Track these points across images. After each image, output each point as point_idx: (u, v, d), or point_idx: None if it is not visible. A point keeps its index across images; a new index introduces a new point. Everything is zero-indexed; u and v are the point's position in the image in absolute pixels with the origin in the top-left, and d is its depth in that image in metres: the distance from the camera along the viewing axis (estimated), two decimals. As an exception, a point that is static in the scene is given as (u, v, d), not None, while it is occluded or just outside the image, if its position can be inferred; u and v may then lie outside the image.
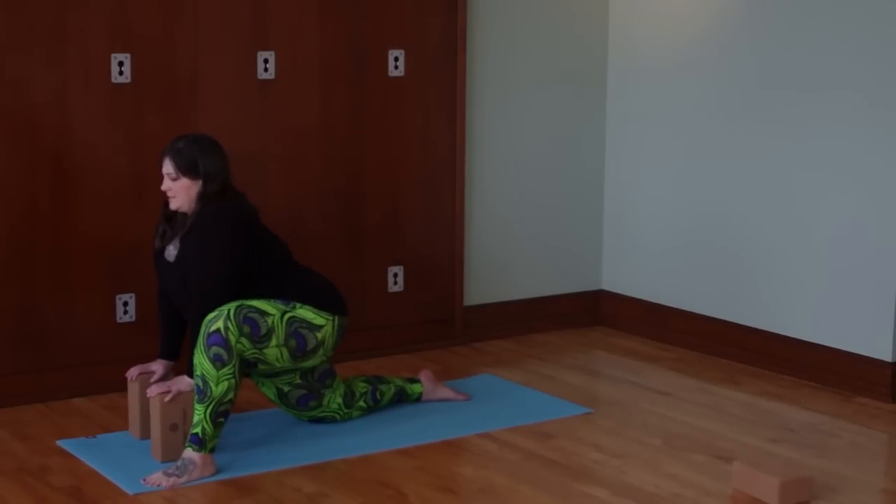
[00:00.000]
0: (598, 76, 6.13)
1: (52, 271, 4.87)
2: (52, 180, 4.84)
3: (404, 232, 5.67)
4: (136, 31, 4.93)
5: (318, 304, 4.40)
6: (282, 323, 4.30)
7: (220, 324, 4.16)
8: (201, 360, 4.14)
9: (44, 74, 4.77)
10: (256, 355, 4.28)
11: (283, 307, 4.32)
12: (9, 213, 4.78)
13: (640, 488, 4.11)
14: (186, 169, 4.26)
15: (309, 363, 4.47)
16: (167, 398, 4.26)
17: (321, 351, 4.44)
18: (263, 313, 4.26)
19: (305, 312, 4.37)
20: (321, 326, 4.40)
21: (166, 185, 4.30)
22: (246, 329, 4.21)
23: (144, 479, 4.09)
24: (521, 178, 5.97)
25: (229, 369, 4.16)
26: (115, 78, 4.91)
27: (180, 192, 4.29)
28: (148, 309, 4.96)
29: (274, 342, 4.29)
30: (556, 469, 4.29)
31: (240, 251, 4.28)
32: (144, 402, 4.41)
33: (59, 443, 4.45)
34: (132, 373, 4.50)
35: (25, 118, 4.77)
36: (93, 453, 4.34)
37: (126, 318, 5.04)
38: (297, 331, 4.34)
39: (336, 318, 4.45)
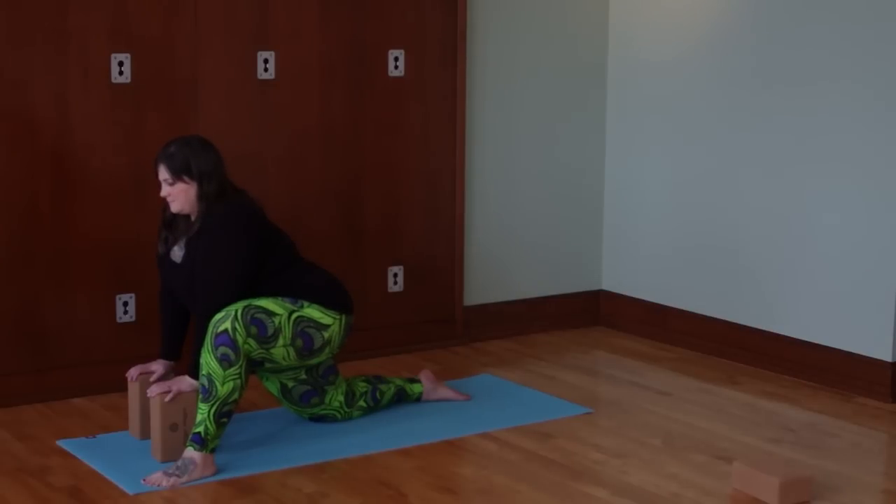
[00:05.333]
0: (599, 76, 6.13)
1: (52, 271, 4.87)
2: (52, 180, 4.84)
3: (404, 232, 5.67)
4: (136, 31, 4.93)
5: (326, 304, 4.40)
6: (289, 323, 4.30)
7: (227, 324, 4.16)
8: (208, 360, 4.15)
9: (44, 74, 4.77)
10: (263, 355, 4.28)
11: (290, 306, 4.32)
12: (9, 214, 4.78)
13: (640, 488, 4.11)
14: (181, 172, 4.26)
15: (315, 361, 4.48)
16: (167, 398, 4.26)
17: (328, 349, 4.45)
18: (271, 313, 4.27)
19: (313, 312, 4.37)
20: (328, 325, 4.40)
21: (165, 190, 4.30)
22: (253, 330, 4.21)
23: (144, 479, 4.09)
24: (521, 177, 5.98)
25: (236, 370, 4.16)
26: (115, 78, 4.91)
27: (179, 195, 4.29)
28: (148, 309, 4.96)
29: (281, 342, 4.30)
30: (556, 469, 4.29)
31: (249, 251, 4.28)
32: (144, 402, 4.41)
33: (59, 443, 4.45)
34: (132, 373, 4.51)
35: (25, 118, 4.77)
36: (93, 453, 4.34)
37: (126, 318, 5.04)
38: (304, 330, 4.34)
39: (343, 316, 4.45)
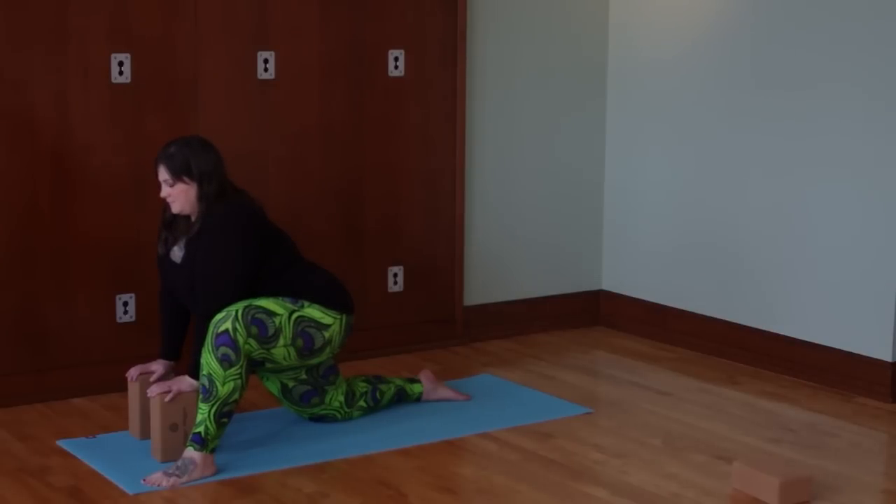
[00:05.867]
0: (599, 76, 6.13)
1: (52, 271, 4.87)
2: (52, 180, 4.84)
3: (404, 232, 5.67)
4: (136, 31, 4.93)
5: (326, 303, 4.40)
6: (289, 323, 4.30)
7: (228, 325, 4.16)
8: (209, 360, 4.15)
9: (44, 74, 4.77)
10: (264, 355, 4.28)
11: (290, 306, 4.32)
12: (9, 213, 4.78)
13: (640, 488, 4.11)
14: (181, 173, 4.26)
15: (315, 361, 4.48)
16: (167, 398, 4.26)
17: (328, 349, 4.45)
18: (271, 314, 4.27)
19: (313, 311, 4.37)
20: (329, 325, 4.40)
21: (165, 191, 4.30)
22: (254, 330, 4.21)
23: (144, 479, 4.09)
24: (521, 177, 5.98)
25: (236, 370, 4.16)
26: (115, 78, 4.91)
27: (179, 196, 4.29)
28: (148, 309, 4.96)
29: (282, 342, 4.30)
30: (556, 469, 4.29)
31: (250, 251, 4.28)
32: (144, 402, 4.41)
33: (59, 443, 4.45)
34: (132, 373, 4.50)
35: (25, 118, 4.77)
36: (93, 453, 4.34)
37: (126, 318, 5.04)
38: (304, 330, 4.34)
39: (343, 316, 4.45)
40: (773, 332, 5.47)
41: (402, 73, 5.55)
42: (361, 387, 4.75)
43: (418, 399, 4.92)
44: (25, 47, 4.73)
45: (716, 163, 5.68)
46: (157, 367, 4.50)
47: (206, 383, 4.15)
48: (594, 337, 6.09)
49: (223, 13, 5.11)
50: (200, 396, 4.17)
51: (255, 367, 4.33)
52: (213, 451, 4.16)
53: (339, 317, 4.43)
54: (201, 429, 4.12)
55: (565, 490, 4.10)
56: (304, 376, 4.57)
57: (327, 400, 4.64)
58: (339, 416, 4.69)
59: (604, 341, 6.02)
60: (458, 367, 5.51)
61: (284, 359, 4.35)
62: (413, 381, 4.94)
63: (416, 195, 5.67)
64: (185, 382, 4.28)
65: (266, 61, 5.22)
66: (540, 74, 5.97)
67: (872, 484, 4.23)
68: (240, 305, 4.22)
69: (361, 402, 4.73)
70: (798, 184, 5.33)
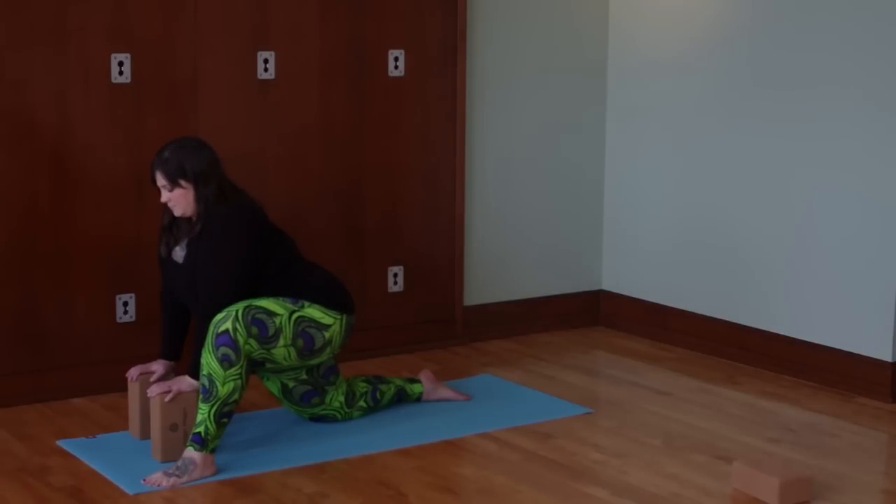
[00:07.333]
0: (598, 76, 6.13)
1: (52, 271, 4.87)
2: (52, 180, 4.84)
3: (404, 232, 5.67)
4: (136, 31, 4.93)
5: (327, 304, 4.40)
6: (290, 323, 4.30)
7: (228, 325, 4.16)
8: (209, 360, 4.15)
9: (44, 74, 4.78)
10: (264, 355, 4.28)
11: (291, 306, 4.32)
12: (9, 213, 4.78)
13: (640, 488, 4.11)
14: (177, 176, 4.25)
15: (316, 361, 4.48)
16: (167, 398, 4.26)
17: (328, 349, 4.45)
18: (271, 314, 4.27)
19: (314, 311, 4.37)
20: (329, 326, 4.40)
21: (164, 196, 4.30)
22: (254, 330, 4.21)
23: (144, 479, 4.09)
24: (521, 177, 5.98)
25: (237, 370, 4.16)
26: (115, 78, 4.91)
27: (179, 200, 4.28)
28: (148, 309, 4.96)
29: (282, 342, 4.30)
30: (556, 469, 4.29)
31: (251, 252, 4.28)
32: (144, 402, 4.41)
33: (59, 443, 4.45)
34: (132, 373, 4.51)
35: (25, 118, 4.77)
36: (93, 453, 4.35)
37: (126, 318, 5.04)
38: (304, 330, 4.34)
39: (344, 316, 4.45)
40: (773, 332, 5.47)
41: (402, 73, 5.55)
42: (361, 387, 4.75)
43: (418, 399, 4.92)
44: (25, 47, 4.73)
45: (716, 163, 5.68)
46: (158, 367, 4.50)
47: (207, 383, 4.15)
48: (594, 337, 6.09)
49: (223, 13, 5.11)
50: (200, 396, 4.17)
51: (255, 367, 4.33)
52: (213, 451, 4.17)
53: (339, 317, 4.43)
54: (201, 429, 4.12)
55: (565, 490, 4.10)
56: (304, 376, 4.57)
57: (327, 400, 4.64)
58: (339, 416, 4.69)
59: (604, 341, 6.02)
60: (458, 367, 5.51)
61: (285, 359, 4.35)
62: (413, 381, 4.94)
63: (416, 195, 5.67)
64: (185, 382, 4.28)
65: (266, 61, 5.22)
66: (540, 74, 5.97)
67: (872, 484, 4.23)
68: (240, 305, 4.22)
69: (361, 403, 4.73)
70: (798, 184, 5.33)
